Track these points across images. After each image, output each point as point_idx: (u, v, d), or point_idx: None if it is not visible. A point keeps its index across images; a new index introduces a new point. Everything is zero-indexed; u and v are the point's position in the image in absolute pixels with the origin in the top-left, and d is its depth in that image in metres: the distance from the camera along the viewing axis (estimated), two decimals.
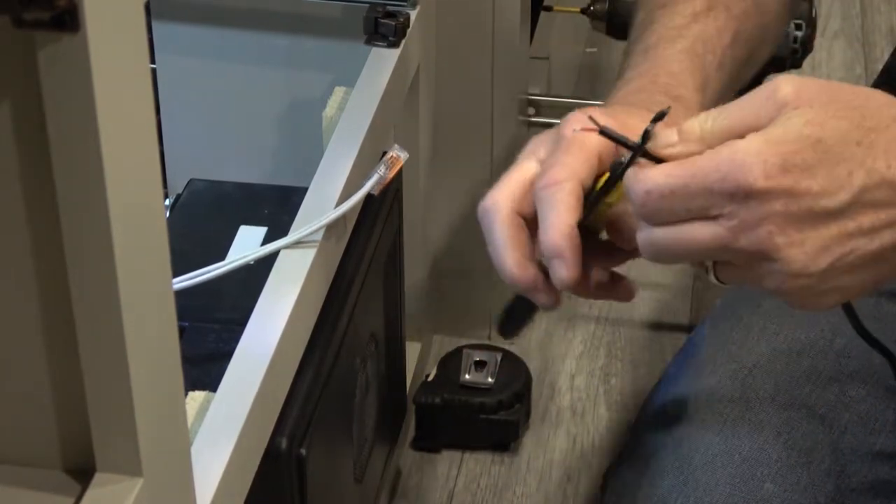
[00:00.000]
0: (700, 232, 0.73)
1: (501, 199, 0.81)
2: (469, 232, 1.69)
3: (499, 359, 1.62)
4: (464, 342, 1.68)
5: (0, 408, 0.68)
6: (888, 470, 0.92)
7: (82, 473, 0.68)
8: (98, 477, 0.67)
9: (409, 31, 1.39)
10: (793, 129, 0.72)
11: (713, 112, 0.75)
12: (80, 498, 0.67)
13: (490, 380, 1.60)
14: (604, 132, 0.77)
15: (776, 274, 0.73)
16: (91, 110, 0.58)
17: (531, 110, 1.74)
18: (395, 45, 1.37)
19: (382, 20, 1.36)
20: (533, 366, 1.67)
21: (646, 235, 0.75)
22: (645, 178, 0.74)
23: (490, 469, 1.60)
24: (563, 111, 1.80)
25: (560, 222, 0.77)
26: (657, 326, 1.80)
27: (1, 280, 0.64)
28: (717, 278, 0.77)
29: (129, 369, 0.64)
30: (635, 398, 1.68)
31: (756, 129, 0.73)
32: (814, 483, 0.90)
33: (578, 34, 2.15)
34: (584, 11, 1.78)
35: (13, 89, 0.60)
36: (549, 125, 1.78)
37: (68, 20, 0.56)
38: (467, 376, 1.60)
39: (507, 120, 1.63)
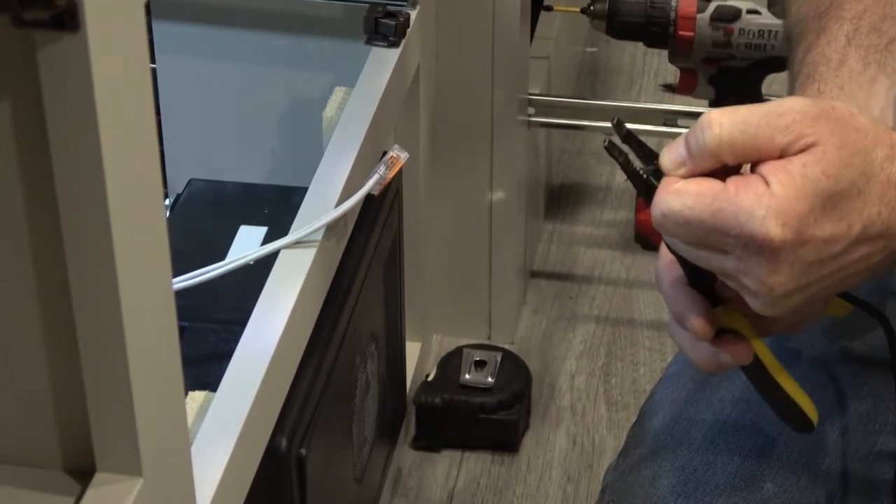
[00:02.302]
0: (707, 259, 0.77)
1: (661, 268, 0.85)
2: (469, 232, 1.69)
3: (499, 359, 1.62)
4: (464, 342, 1.68)
5: (0, 408, 0.68)
6: (888, 470, 0.92)
7: (82, 473, 0.68)
8: (98, 477, 0.67)
9: (409, 31, 1.39)
10: (811, 182, 0.74)
11: (726, 119, 0.76)
12: (80, 498, 0.67)
13: (490, 379, 1.60)
14: (624, 167, 0.80)
15: (760, 303, 0.78)
16: (91, 110, 0.58)
17: (531, 110, 1.74)
18: (395, 45, 1.37)
19: (382, 20, 1.37)
20: (533, 365, 1.67)
21: (667, 238, 0.79)
22: (664, 202, 0.76)
23: (490, 468, 1.61)
24: (563, 111, 1.81)
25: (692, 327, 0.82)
26: (657, 326, 1.80)
27: (1, 280, 0.64)
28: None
29: (129, 369, 0.64)
30: (635, 398, 1.68)
31: (769, 152, 0.75)
32: (814, 483, 0.90)
33: (578, 34, 2.15)
34: (584, 11, 1.78)
35: (13, 89, 0.60)
36: (549, 125, 1.80)
37: (68, 20, 0.56)
38: (467, 376, 1.60)
39: (507, 120, 1.63)
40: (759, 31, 1.73)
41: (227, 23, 1.54)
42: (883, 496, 0.92)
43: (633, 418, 1.03)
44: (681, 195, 0.75)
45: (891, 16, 0.95)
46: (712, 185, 0.75)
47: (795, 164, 0.75)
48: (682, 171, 0.76)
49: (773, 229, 0.74)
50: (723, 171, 0.76)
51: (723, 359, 0.82)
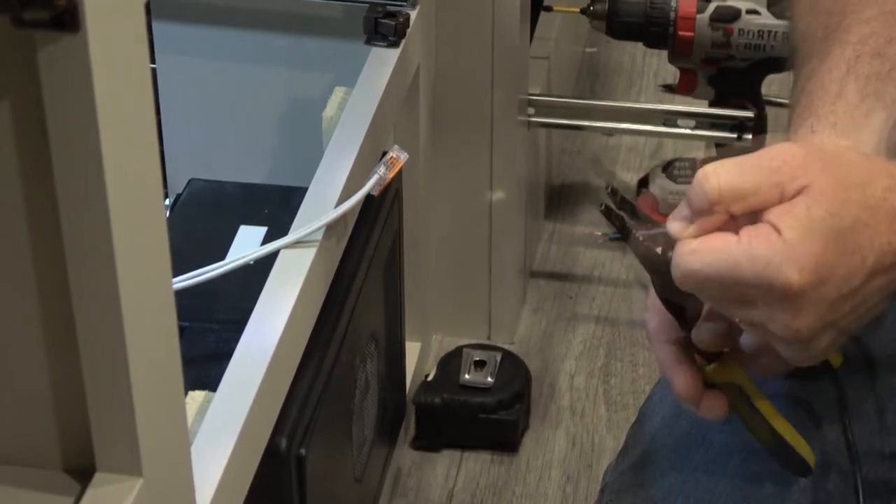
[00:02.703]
0: (734, 311, 0.79)
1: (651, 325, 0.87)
2: (469, 232, 1.69)
3: (498, 358, 1.62)
4: (463, 342, 1.68)
5: (1, 408, 0.68)
6: (887, 469, 0.92)
7: (82, 473, 0.68)
8: (98, 477, 0.67)
9: (408, 31, 1.39)
10: (819, 223, 0.76)
11: (721, 169, 0.77)
12: (80, 498, 0.67)
13: (490, 379, 1.60)
14: (621, 230, 0.83)
15: (788, 349, 0.80)
16: (91, 110, 0.58)
17: (531, 110, 1.74)
18: (395, 45, 1.37)
19: (382, 20, 1.37)
20: (533, 365, 1.67)
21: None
22: (683, 264, 0.78)
23: (489, 468, 1.61)
24: (562, 111, 1.81)
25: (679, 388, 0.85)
26: None
27: (1, 280, 0.64)
28: None
29: (129, 369, 0.64)
30: (635, 398, 1.68)
31: (769, 196, 0.76)
32: (814, 482, 0.90)
33: (578, 34, 2.15)
34: (583, 11, 1.78)
35: (13, 89, 0.60)
36: (549, 125, 1.80)
37: (68, 20, 0.56)
38: (467, 376, 1.61)
39: (507, 120, 1.63)
40: (758, 31, 1.73)
41: (227, 23, 1.54)
42: (883, 495, 0.92)
43: (633, 418, 1.03)
44: (697, 254, 0.77)
45: None
46: (726, 239, 0.77)
47: (800, 206, 0.76)
48: (691, 230, 0.78)
49: (792, 275, 0.75)
50: (733, 226, 0.78)
51: (702, 414, 0.86)
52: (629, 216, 0.83)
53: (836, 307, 0.78)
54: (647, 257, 0.81)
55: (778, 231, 0.76)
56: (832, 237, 0.76)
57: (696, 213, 0.78)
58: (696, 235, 0.78)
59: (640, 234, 0.82)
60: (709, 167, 0.77)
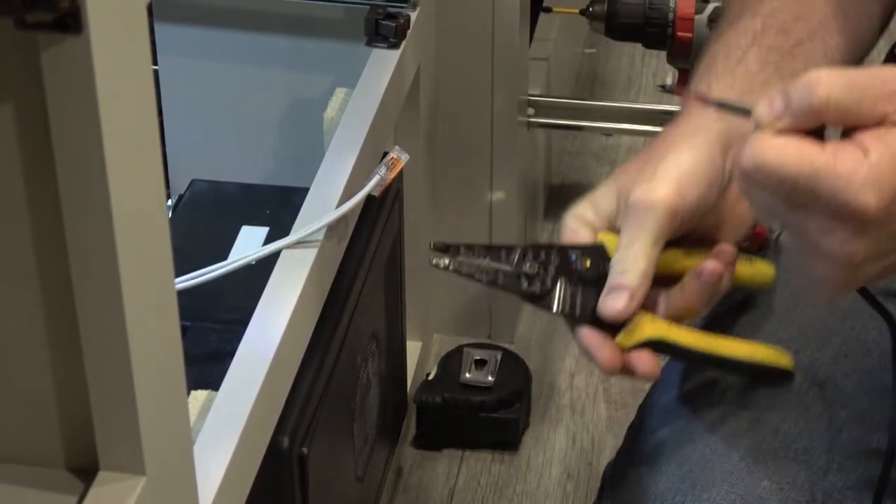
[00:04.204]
0: (786, 215, 0.77)
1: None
2: (469, 232, 1.69)
3: (499, 357, 1.63)
4: (464, 341, 1.69)
5: (4, 407, 0.68)
6: (886, 468, 0.92)
7: (85, 472, 0.68)
8: (101, 475, 0.67)
9: (409, 32, 1.40)
10: None
11: (835, 80, 0.75)
12: (83, 496, 0.67)
13: (490, 378, 1.61)
14: (720, 105, 0.81)
15: (833, 268, 0.77)
16: (94, 112, 0.58)
17: (531, 111, 1.75)
18: (395, 46, 1.37)
19: (383, 21, 1.37)
20: (533, 364, 1.68)
21: (742, 186, 0.78)
22: (761, 155, 0.75)
23: (490, 467, 1.61)
24: (562, 112, 1.82)
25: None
26: None
27: (4, 280, 0.65)
28: (779, 242, 0.81)
29: (131, 368, 0.64)
30: (635, 397, 1.69)
31: (869, 118, 0.74)
32: (811, 480, 0.91)
33: (577, 35, 2.15)
34: (583, 13, 1.78)
35: (16, 91, 0.60)
36: (549, 125, 1.80)
37: (71, 22, 0.56)
38: (468, 375, 1.61)
39: (507, 120, 1.63)
40: None
41: (229, 25, 1.54)
42: (881, 494, 0.93)
43: (632, 417, 1.03)
44: (779, 151, 0.75)
45: (804, 16, 0.95)
46: (812, 146, 0.75)
47: (894, 135, 0.75)
48: (780, 124, 0.75)
49: (870, 199, 0.73)
50: (812, 131, 0.76)
51: (638, 376, 0.87)
52: (464, 255, 0.86)
53: (893, 243, 0.76)
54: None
55: (866, 153, 0.74)
56: None
57: (791, 112, 0.75)
58: (782, 130, 0.75)
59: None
60: (822, 73, 0.75)
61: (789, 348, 0.94)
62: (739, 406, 0.94)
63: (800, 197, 0.75)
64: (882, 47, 1.07)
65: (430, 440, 1.62)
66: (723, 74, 0.89)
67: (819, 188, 0.74)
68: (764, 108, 0.76)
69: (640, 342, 0.86)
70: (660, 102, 1.92)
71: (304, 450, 1.06)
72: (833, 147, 0.75)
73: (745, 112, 0.78)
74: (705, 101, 0.84)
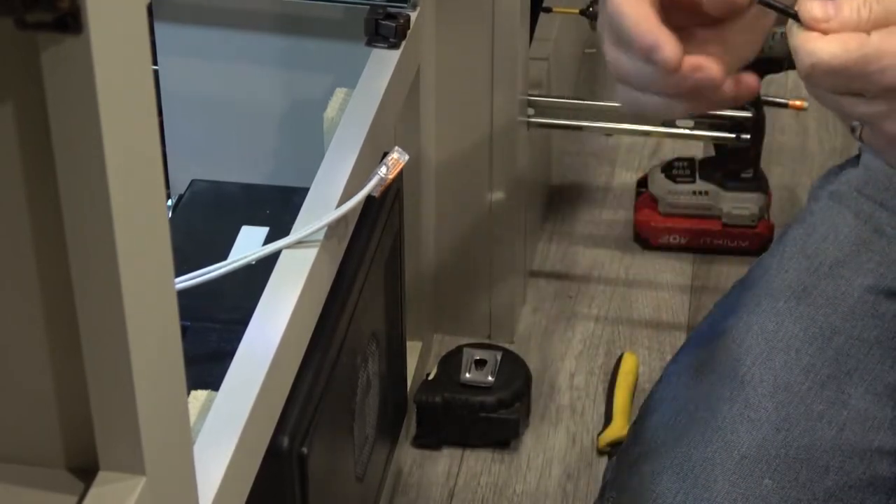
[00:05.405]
0: (854, 107, 0.80)
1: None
2: (469, 232, 1.69)
3: (499, 357, 1.63)
4: (464, 341, 1.69)
5: (4, 407, 0.68)
6: (886, 467, 0.92)
7: (85, 472, 0.68)
8: (101, 475, 0.68)
9: (409, 32, 1.40)
10: None
11: None
12: (83, 496, 0.67)
13: (490, 378, 1.61)
14: (762, 2, 0.83)
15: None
16: (94, 112, 0.58)
17: (531, 110, 1.75)
18: (395, 46, 1.37)
19: (383, 21, 1.37)
20: (533, 364, 1.68)
21: (811, 92, 0.81)
22: (811, 53, 0.78)
23: (490, 467, 1.61)
24: (562, 112, 1.82)
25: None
26: (657, 326, 1.80)
27: (5, 280, 0.65)
28: (862, 139, 0.84)
29: (131, 368, 0.64)
30: (634, 397, 1.69)
31: None
32: (812, 479, 0.91)
33: (578, 35, 2.15)
34: (583, 13, 1.78)
35: (16, 91, 0.60)
36: (549, 125, 1.80)
37: (71, 22, 0.56)
38: (467, 375, 1.61)
39: (507, 120, 1.63)
40: None
41: (229, 25, 1.54)
42: (881, 493, 0.93)
43: (633, 417, 1.03)
44: (828, 43, 0.78)
45: None
46: (857, 35, 0.78)
47: None
48: (826, 26, 0.78)
49: None
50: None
51: (698, 76, 0.84)
52: None
53: None
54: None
55: None
56: None
57: (839, 20, 0.78)
58: (827, 31, 0.78)
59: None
60: None
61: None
62: (740, 406, 0.95)
63: (856, 83, 0.78)
64: None
65: (430, 440, 1.62)
66: None
67: (870, 70, 0.77)
68: (816, 8, 0.79)
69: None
70: None
71: (304, 450, 1.06)
72: (878, 33, 0.78)
73: (792, 14, 0.80)
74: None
